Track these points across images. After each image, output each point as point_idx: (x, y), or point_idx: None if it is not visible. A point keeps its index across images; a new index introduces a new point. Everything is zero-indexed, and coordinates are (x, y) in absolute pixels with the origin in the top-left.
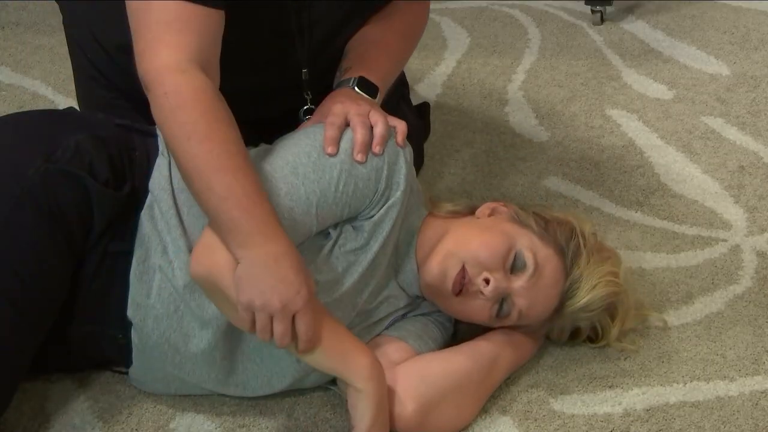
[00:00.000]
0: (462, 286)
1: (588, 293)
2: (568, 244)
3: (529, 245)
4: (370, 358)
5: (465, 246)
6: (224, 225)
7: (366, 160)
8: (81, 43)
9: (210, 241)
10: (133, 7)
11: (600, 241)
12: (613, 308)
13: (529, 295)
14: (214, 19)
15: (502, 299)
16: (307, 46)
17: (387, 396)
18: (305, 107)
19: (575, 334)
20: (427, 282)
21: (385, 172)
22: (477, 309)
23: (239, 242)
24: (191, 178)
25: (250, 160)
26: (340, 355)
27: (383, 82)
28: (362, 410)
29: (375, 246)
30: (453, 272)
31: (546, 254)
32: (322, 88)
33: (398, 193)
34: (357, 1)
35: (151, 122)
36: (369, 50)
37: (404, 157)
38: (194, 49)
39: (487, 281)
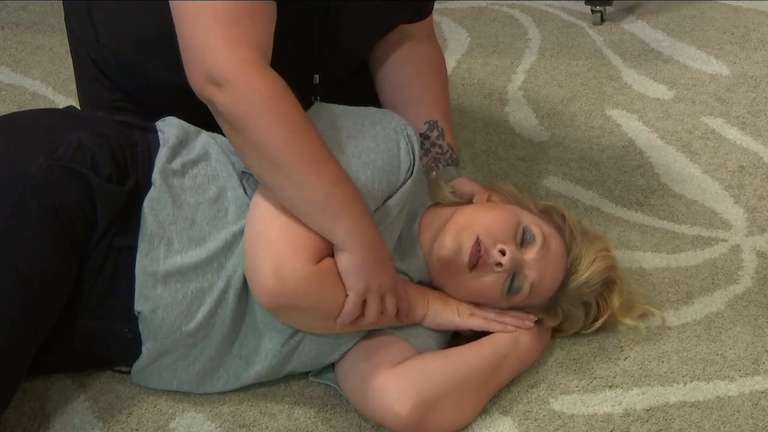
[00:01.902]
0: (478, 258)
1: (588, 268)
2: (564, 226)
3: (533, 221)
4: (413, 286)
5: (476, 221)
6: (334, 213)
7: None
8: (84, 43)
9: (280, 263)
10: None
11: (584, 226)
12: (610, 282)
13: (540, 267)
14: (273, 12)
15: (513, 274)
16: (327, 52)
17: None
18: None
19: (588, 318)
20: (441, 257)
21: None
22: (489, 285)
23: (349, 229)
24: (295, 169)
25: None
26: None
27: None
28: (449, 321)
29: (389, 219)
30: (468, 244)
31: (549, 230)
32: (329, 90)
33: (413, 173)
34: (383, 2)
35: (154, 121)
36: (435, 109)
37: (418, 143)
38: (263, 44)
39: (503, 252)
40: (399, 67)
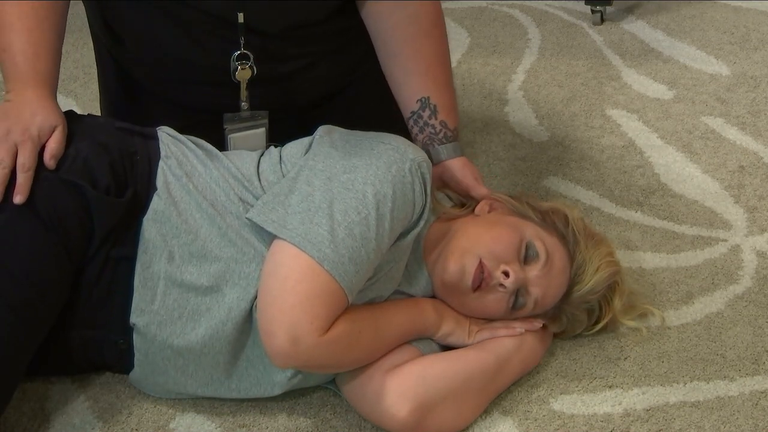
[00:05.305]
0: (481, 281)
1: (593, 276)
2: (566, 232)
3: (536, 235)
4: (428, 309)
5: (479, 242)
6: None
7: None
8: (100, 39)
9: (298, 331)
10: None
11: (588, 225)
12: (613, 284)
13: (543, 283)
14: None
15: (517, 291)
16: None
17: (458, 316)
18: (237, 52)
19: (590, 321)
20: (444, 281)
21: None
22: (493, 303)
23: (7, 89)
24: None
25: (49, 29)
26: (412, 327)
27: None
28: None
29: (398, 256)
30: (471, 268)
31: (552, 242)
32: (257, 32)
33: (425, 213)
34: None
35: (158, 121)
36: (432, 87)
37: (431, 177)
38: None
39: (506, 273)
40: (390, 34)
